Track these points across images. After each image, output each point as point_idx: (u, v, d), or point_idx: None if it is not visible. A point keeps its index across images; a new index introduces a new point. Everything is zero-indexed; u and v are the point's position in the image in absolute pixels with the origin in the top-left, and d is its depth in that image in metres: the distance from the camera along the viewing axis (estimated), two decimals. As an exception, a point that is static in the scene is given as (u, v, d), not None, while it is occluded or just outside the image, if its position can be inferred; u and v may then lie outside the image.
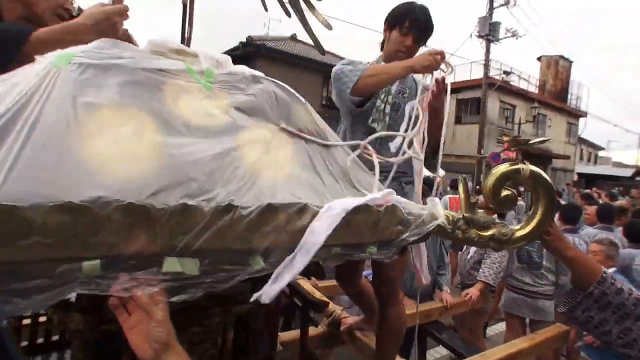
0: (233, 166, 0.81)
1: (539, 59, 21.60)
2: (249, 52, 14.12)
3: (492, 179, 1.04)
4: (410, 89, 1.63)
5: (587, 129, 28.22)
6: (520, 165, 1.02)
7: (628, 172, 29.80)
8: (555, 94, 21.21)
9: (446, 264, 3.23)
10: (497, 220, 1.04)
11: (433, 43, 1.72)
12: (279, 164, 0.92)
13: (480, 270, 3.29)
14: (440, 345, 2.82)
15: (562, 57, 21.22)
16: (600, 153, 35.32)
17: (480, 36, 15.44)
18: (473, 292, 3.13)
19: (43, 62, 0.77)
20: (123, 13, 0.99)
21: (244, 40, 14.73)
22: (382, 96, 1.57)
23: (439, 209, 1.06)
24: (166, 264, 0.67)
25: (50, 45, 0.86)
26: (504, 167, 1.04)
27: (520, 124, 17.63)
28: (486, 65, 15.71)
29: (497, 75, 17.49)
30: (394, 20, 1.60)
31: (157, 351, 0.61)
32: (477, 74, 17.73)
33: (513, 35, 15.45)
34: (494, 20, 15.37)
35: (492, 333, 4.57)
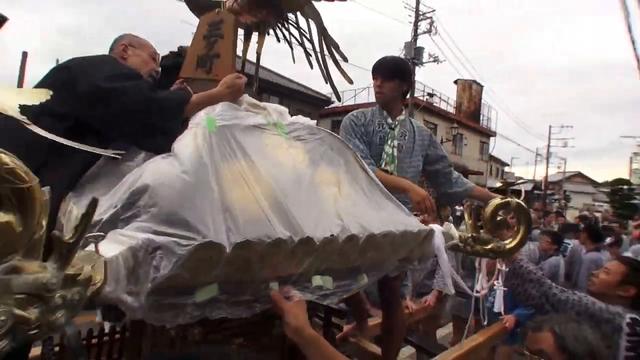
0: (337, 206, 1.13)
1: (455, 82, 24.27)
2: (179, 63, 13.87)
3: (490, 208, 1.49)
4: (409, 131, 2.06)
5: (495, 147, 32.19)
6: (509, 199, 1.49)
7: (528, 187, 34.62)
8: (470, 115, 24.03)
9: (408, 276, 3.73)
10: (494, 238, 1.49)
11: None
12: (355, 200, 1.25)
13: (434, 279, 3.85)
14: (408, 346, 3.26)
15: (474, 81, 24.16)
16: (506, 169, 40.43)
17: (406, 59, 17.10)
18: (430, 299, 3.66)
19: (200, 129, 1.01)
20: (243, 84, 1.28)
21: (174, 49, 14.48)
22: (389, 142, 1.97)
23: (453, 231, 1.48)
24: (314, 280, 0.96)
25: (198, 108, 1.11)
26: (497, 200, 1.50)
27: (442, 142, 19.67)
28: (412, 87, 17.39)
29: (421, 97, 19.36)
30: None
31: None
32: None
33: (435, 60, 17.33)
34: (418, 45, 17.13)
35: (438, 336, 5.20)
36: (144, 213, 0.78)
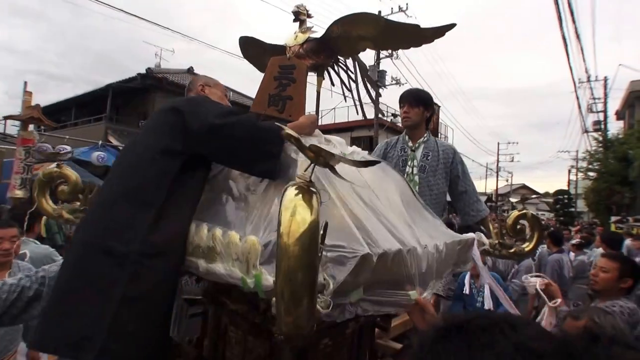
0: (409, 220, 1.39)
1: (414, 102, 25.76)
2: (147, 85, 13.76)
3: (511, 219, 1.83)
4: (433, 151, 2.36)
5: (452, 163, 34.24)
6: (525, 211, 1.84)
7: (482, 199, 36.74)
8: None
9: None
10: (515, 243, 1.82)
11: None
12: (413, 215, 1.53)
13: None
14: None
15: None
16: (462, 184, 42.75)
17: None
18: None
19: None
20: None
21: (142, 71, 14.32)
22: (409, 163, 2.27)
23: (484, 239, 1.80)
24: (412, 293, 1.20)
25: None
26: (517, 212, 1.84)
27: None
28: (377, 108, 18.16)
29: (385, 117, 20.32)
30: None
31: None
32: (369, 114, 20.35)
33: (397, 83, 18.40)
34: (381, 69, 18.10)
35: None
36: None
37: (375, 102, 19.32)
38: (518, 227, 1.83)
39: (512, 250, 1.79)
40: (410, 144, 2.34)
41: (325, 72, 1.81)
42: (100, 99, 14.86)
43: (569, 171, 32.71)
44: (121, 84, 13.88)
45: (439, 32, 1.56)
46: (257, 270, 0.99)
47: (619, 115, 22.14)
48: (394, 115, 20.30)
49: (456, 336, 0.50)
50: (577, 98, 21.41)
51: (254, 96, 1.66)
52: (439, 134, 27.15)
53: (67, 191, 1.70)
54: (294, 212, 0.77)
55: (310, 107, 1.70)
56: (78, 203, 1.69)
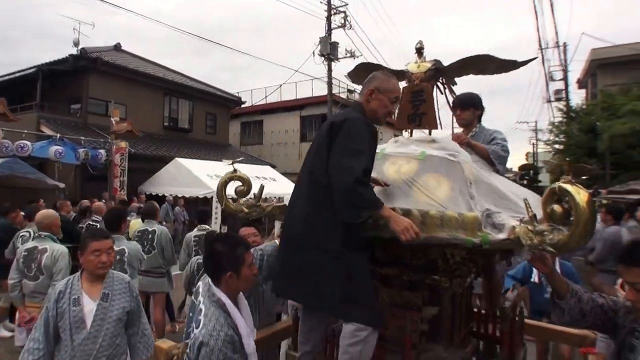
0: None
1: (362, 76, 26.71)
2: (79, 67, 13.09)
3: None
4: (479, 141, 3.03)
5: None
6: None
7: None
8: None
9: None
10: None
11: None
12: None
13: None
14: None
15: (381, 75, 26.97)
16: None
17: (322, 55, 18.43)
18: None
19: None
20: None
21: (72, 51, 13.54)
22: None
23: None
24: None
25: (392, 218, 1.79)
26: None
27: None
28: (329, 83, 18.78)
29: (340, 93, 20.97)
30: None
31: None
32: (320, 91, 20.92)
33: (352, 56, 19.07)
34: (333, 40, 18.62)
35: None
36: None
37: (329, 77, 19.54)
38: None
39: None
40: None
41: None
42: (23, 83, 14.05)
43: (534, 144, 32.81)
44: (51, 67, 13.22)
45: (524, 63, 2.36)
46: (483, 233, 1.74)
47: (581, 84, 23.47)
48: (350, 92, 21.11)
49: None
50: (543, 64, 21.03)
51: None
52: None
53: (244, 190, 2.37)
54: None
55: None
56: (251, 199, 2.37)
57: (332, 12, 18.39)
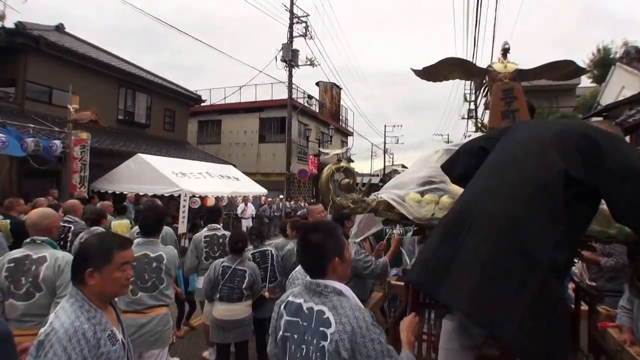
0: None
1: (317, 84, 26.98)
2: (14, 44, 11.47)
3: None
4: None
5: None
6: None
7: (376, 179, 41.10)
8: (332, 115, 27.18)
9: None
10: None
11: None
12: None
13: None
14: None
15: (334, 84, 27.40)
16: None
17: (284, 60, 18.49)
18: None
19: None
20: None
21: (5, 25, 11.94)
22: None
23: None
24: None
25: None
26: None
27: (319, 142, 21.84)
28: (290, 89, 18.86)
29: (299, 98, 21.09)
30: None
31: None
32: (278, 94, 20.88)
33: (311, 64, 19.30)
34: (294, 48, 18.76)
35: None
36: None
37: (289, 82, 19.65)
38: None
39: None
40: None
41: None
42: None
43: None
44: None
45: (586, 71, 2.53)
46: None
47: (487, 106, 26.91)
48: (310, 97, 21.29)
49: None
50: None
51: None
52: (341, 116, 29.23)
53: (350, 184, 2.21)
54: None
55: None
56: (355, 194, 2.20)
57: (294, 21, 18.60)
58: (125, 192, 10.97)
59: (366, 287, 3.58)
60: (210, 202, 11.93)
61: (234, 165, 16.98)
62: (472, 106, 26.32)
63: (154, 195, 11.10)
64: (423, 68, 2.60)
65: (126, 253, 1.73)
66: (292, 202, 18.43)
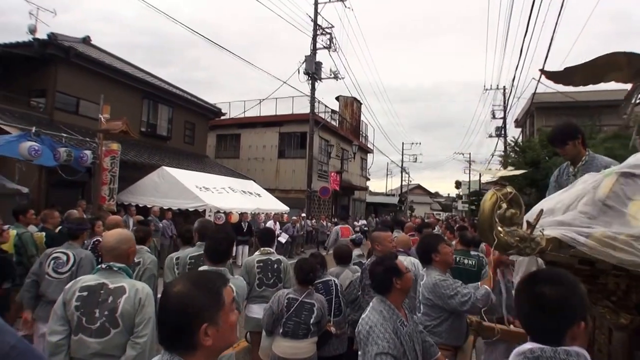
0: None
1: (337, 98, 26.70)
2: (46, 55, 11.45)
3: None
4: (589, 171, 2.38)
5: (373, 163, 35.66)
6: None
7: (394, 200, 40.40)
8: (352, 131, 26.83)
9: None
10: None
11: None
12: None
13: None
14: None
15: (355, 99, 27.14)
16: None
17: (306, 73, 18.18)
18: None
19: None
20: None
21: (36, 36, 11.94)
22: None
23: None
24: None
25: None
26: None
27: (341, 158, 21.50)
28: (312, 102, 18.50)
29: (320, 113, 20.75)
30: None
31: None
32: (298, 109, 20.61)
33: (335, 77, 19.01)
34: (317, 60, 18.44)
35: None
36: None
37: (312, 95, 19.49)
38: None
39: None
40: (570, 169, 2.83)
41: None
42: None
43: (469, 173, 38.26)
44: (7, 49, 11.24)
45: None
46: None
47: (518, 123, 25.90)
48: (334, 112, 20.98)
49: None
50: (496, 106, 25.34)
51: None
52: (361, 132, 28.87)
53: (516, 216, 1.69)
54: None
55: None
56: (520, 229, 1.67)
57: (318, 33, 18.34)
58: (148, 205, 10.68)
59: (462, 328, 3.05)
60: (235, 218, 11.60)
61: (254, 181, 16.67)
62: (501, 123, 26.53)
63: (179, 210, 10.82)
64: (565, 68, 2.19)
65: (228, 286, 1.25)
66: (314, 221, 17.95)
